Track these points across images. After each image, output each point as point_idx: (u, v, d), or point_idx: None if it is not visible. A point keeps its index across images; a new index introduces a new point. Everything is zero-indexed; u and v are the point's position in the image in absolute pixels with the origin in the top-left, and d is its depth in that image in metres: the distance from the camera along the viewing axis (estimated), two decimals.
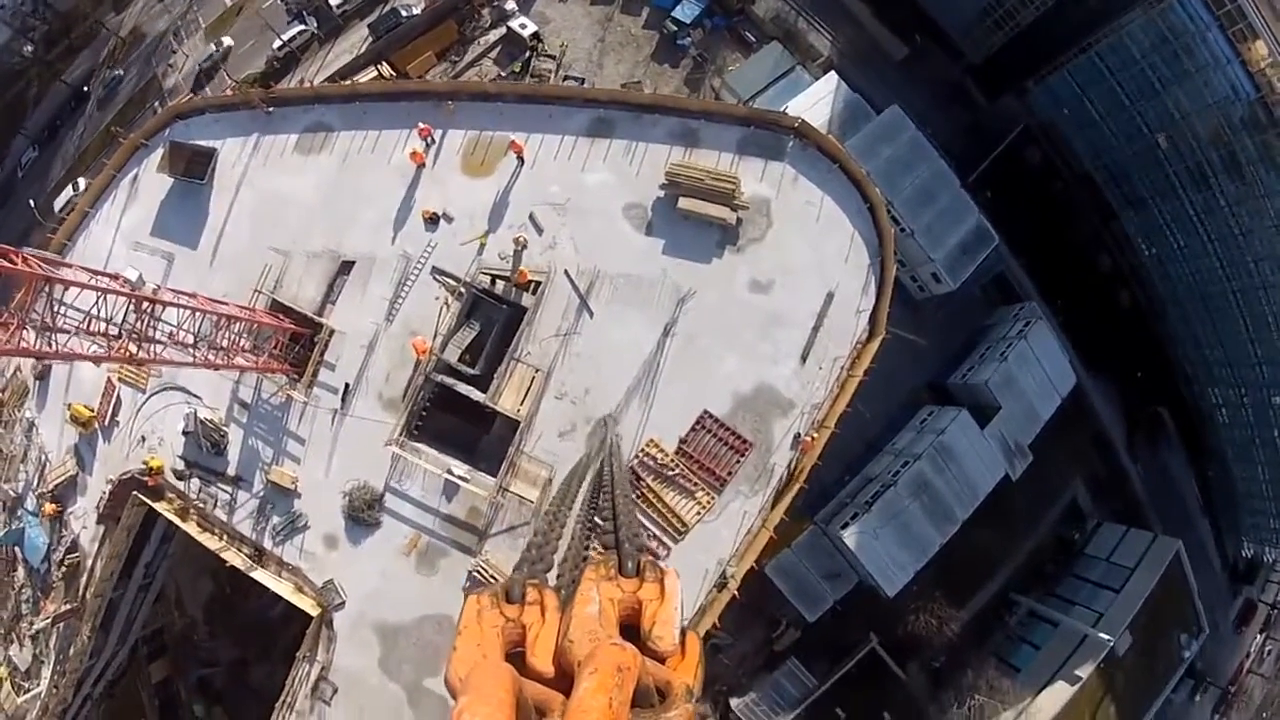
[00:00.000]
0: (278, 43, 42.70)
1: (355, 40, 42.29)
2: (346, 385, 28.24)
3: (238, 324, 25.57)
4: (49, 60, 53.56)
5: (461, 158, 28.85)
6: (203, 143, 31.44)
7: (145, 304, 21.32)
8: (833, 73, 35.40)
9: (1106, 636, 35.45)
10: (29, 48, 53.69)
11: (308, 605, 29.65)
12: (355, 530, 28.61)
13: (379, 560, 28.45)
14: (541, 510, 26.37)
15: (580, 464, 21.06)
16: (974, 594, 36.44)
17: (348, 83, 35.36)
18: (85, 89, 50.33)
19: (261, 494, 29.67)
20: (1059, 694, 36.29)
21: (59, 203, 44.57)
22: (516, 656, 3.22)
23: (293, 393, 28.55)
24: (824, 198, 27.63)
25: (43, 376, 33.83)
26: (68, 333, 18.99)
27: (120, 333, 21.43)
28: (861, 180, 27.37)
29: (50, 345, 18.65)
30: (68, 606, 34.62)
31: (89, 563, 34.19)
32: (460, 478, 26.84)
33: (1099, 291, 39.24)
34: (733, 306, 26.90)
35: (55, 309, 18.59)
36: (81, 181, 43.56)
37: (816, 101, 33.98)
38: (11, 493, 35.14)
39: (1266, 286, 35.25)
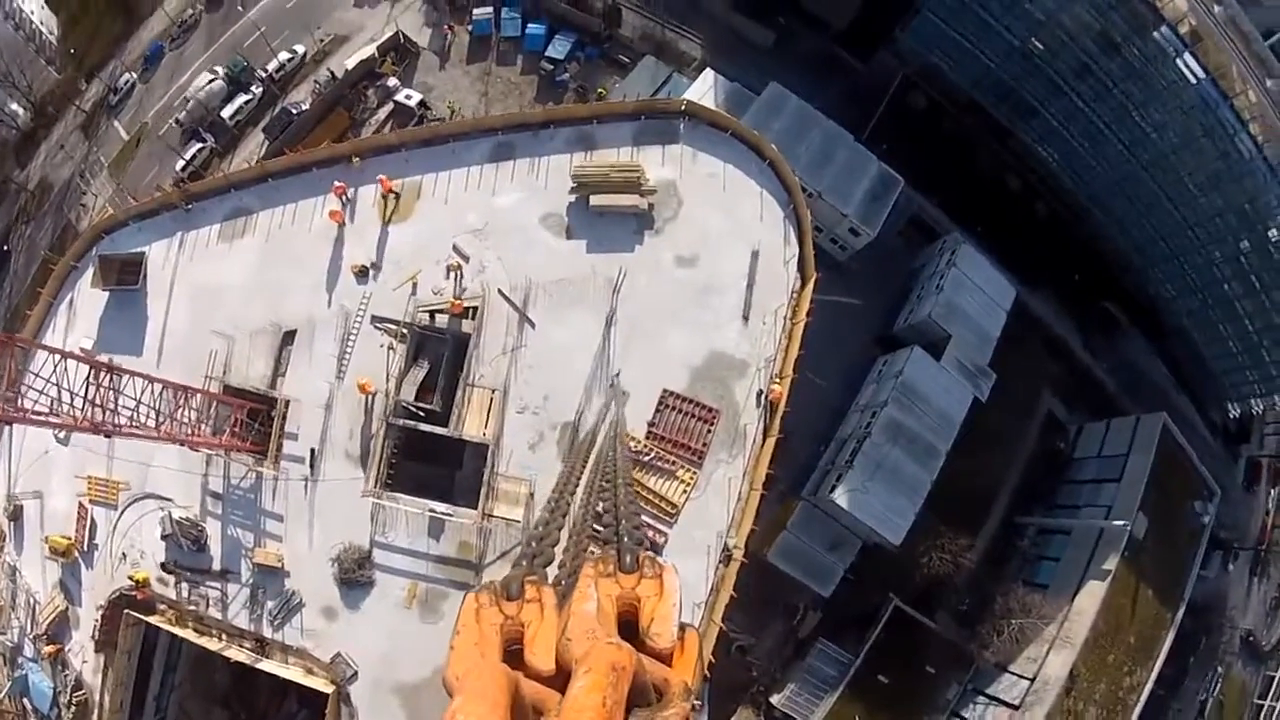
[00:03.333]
0: (180, 163, 44.69)
1: (253, 146, 44.58)
2: (312, 451, 29.03)
3: (196, 398, 26.49)
4: None
5: (377, 209, 30.57)
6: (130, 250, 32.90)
7: (103, 371, 22.34)
8: (708, 70, 38.23)
9: (1121, 523, 36.51)
10: None
11: (322, 684, 29.60)
12: (351, 594, 28.93)
13: (382, 619, 28.70)
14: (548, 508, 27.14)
15: (582, 443, 21.09)
16: (979, 525, 37.39)
17: (255, 164, 37.03)
18: (4, 248, 51.70)
19: (250, 581, 29.89)
20: (1093, 593, 37.10)
21: None
22: (515, 654, 3.29)
23: (261, 469, 29.24)
24: (725, 166, 29.81)
25: (15, 517, 33.99)
26: (35, 394, 20.10)
27: (84, 401, 22.46)
28: (757, 141, 29.66)
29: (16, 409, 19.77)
30: None
31: (96, 697, 33.87)
32: (443, 514, 27.57)
33: (1015, 210, 41.80)
34: (665, 285, 28.58)
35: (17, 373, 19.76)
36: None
37: (699, 99, 36.62)
38: (8, 643, 34.85)
39: (1174, 151, 37.80)
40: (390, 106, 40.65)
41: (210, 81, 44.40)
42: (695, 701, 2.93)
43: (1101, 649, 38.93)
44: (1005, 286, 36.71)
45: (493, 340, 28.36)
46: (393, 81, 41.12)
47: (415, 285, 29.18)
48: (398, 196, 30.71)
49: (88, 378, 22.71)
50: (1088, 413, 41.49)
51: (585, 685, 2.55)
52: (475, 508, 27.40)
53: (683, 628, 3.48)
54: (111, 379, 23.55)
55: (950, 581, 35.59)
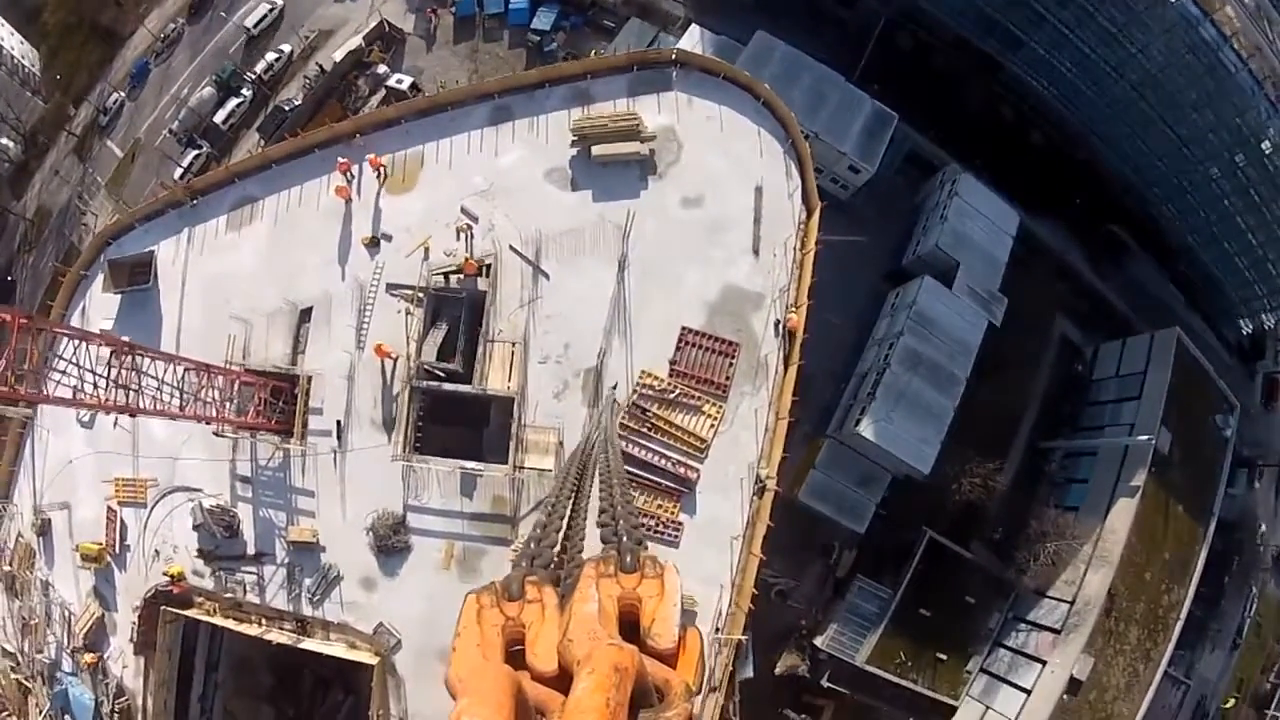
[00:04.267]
0: (178, 171, 45.38)
1: (249, 147, 45.24)
2: (338, 422, 29.45)
3: (219, 378, 26.94)
4: None
5: (383, 181, 31.13)
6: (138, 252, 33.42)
7: (124, 352, 22.78)
8: (693, 26, 38.95)
9: (1145, 438, 36.89)
10: None
11: (366, 657, 29.91)
12: (388, 562, 29.29)
13: (421, 584, 29.05)
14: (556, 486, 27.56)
15: (578, 450, 21.68)
16: (1006, 449, 37.79)
17: (257, 153, 37.54)
18: (9, 278, 52.32)
19: (286, 560, 30.25)
20: (1125, 510, 37.47)
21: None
22: (517, 655, 3.29)
23: (287, 447, 29.66)
24: (721, 109, 30.39)
25: (44, 532, 34.30)
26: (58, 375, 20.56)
27: (107, 381, 22.88)
28: (749, 82, 30.25)
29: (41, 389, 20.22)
30: None
31: (139, 701, 34.02)
32: (474, 470, 27.99)
33: (1011, 140, 42.39)
34: (674, 227, 29.08)
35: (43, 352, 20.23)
36: None
37: None
38: (45, 660, 35.06)
39: (1161, 71, 38.46)
40: (382, 93, 41.36)
41: (202, 88, 45.13)
42: (691, 703, 3.00)
43: (1138, 567, 39.25)
44: (1008, 212, 37.26)
45: (509, 295, 28.85)
46: (382, 68, 41.87)
47: (427, 250, 29.66)
48: (387, 173, 31.23)
49: (109, 359, 23.17)
50: (1101, 335, 41.97)
51: (589, 686, 2.56)
52: (505, 462, 27.82)
53: (684, 628, 3.51)
54: (133, 359, 23.99)
55: (983, 509, 35.93)
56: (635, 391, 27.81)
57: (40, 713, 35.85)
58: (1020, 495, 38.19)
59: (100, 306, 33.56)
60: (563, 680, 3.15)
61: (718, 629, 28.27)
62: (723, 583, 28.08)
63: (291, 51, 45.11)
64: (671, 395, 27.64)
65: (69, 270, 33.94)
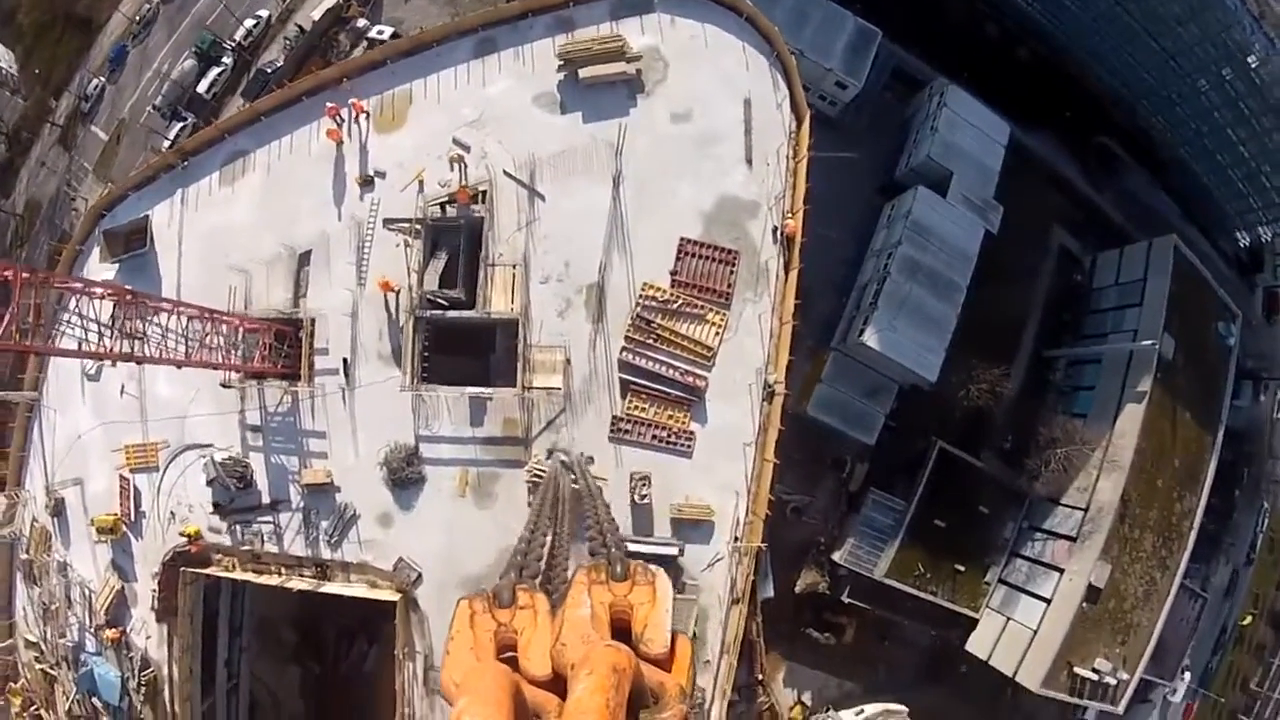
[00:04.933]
0: (165, 144, 45.51)
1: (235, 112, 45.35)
2: (345, 360, 29.79)
3: (223, 325, 27.24)
4: None
5: (373, 121, 31.41)
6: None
7: (128, 300, 23.06)
8: None
9: (1149, 343, 37.29)
10: None
11: (388, 595, 30.27)
12: (404, 495, 29.66)
13: (437, 514, 29.44)
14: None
15: (549, 481, 22.28)
16: (1010, 355, 38.18)
17: (245, 108, 37.68)
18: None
19: (302, 505, 30.61)
20: (1133, 415, 37.92)
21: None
22: (509, 662, 3.41)
23: (295, 389, 29.99)
24: (704, 26, 30.65)
25: (58, 512, 34.52)
26: (63, 323, 20.81)
27: (112, 329, 23.19)
28: (733, 1, 30.48)
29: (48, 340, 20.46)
30: None
31: (165, 670, 34.32)
32: (484, 394, 28.38)
33: (997, 56, 42.65)
34: (665, 142, 29.41)
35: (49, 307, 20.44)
36: None
37: None
38: (69, 644, 35.30)
39: None
40: (364, 46, 41.57)
41: (183, 61, 45.37)
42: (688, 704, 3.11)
43: (1149, 474, 39.69)
44: (998, 122, 37.59)
45: (506, 219, 29.18)
46: (362, 22, 42.15)
47: (421, 183, 29.97)
48: (370, 116, 31.48)
49: (114, 309, 23.47)
50: (1098, 245, 42.35)
51: (589, 687, 2.61)
52: (513, 385, 28.18)
53: (674, 635, 3.62)
54: (137, 308, 24.25)
55: (991, 416, 36.33)
56: (638, 303, 28.14)
57: (67, 698, 36.23)
58: (1027, 405, 38.63)
59: (99, 277, 33.83)
60: (556, 684, 3.22)
61: (736, 538, 28.73)
62: (738, 490, 28.52)
63: (269, 15, 45.36)
64: (675, 305, 28.00)
65: (65, 247, 34.23)
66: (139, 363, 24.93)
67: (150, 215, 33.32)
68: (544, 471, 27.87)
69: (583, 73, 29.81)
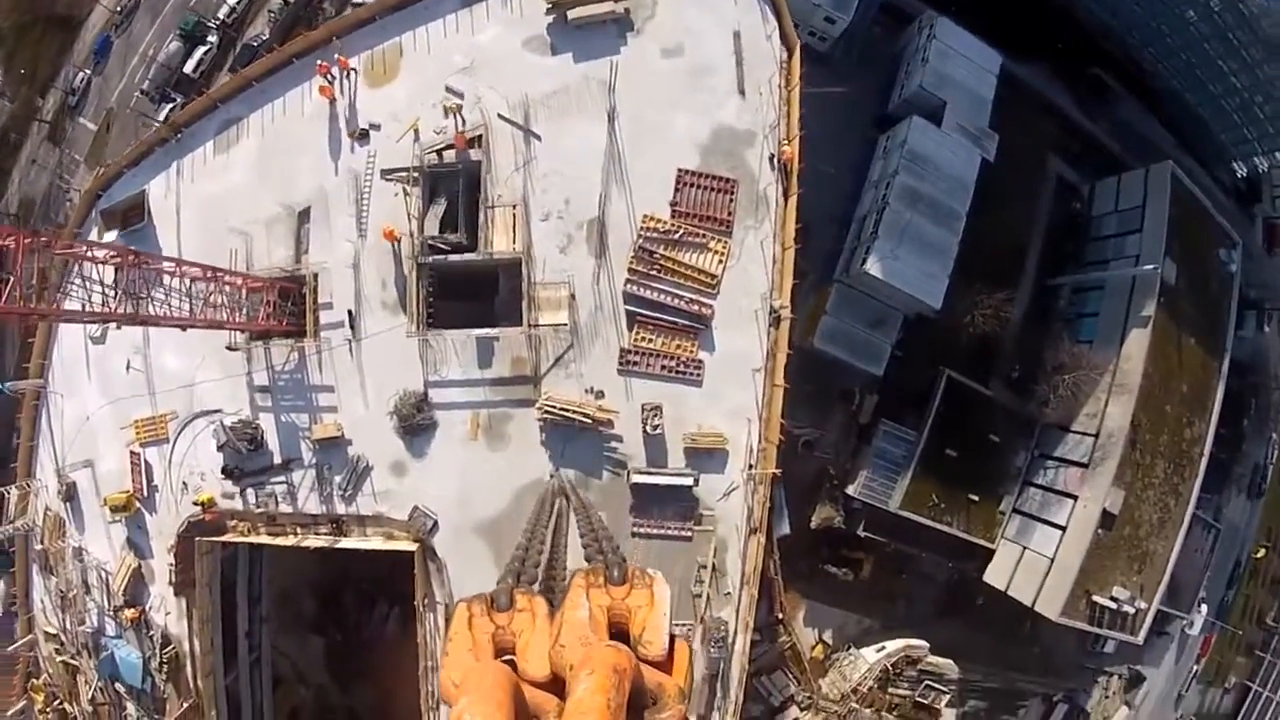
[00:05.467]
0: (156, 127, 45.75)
1: None
2: (349, 312, 30.05)
3: (226, 285, 27.51)
4: None
5: (365, 76, 31.65)
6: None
7: (130, 261, 23.37)
8: None
9: (1152, 266, 37.59)
10: None
11: (405, 545, 30.54)
12: (416, 443, 29.93)
13: (450, 459, 29.72)
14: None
15: (545, 496, 22.37)
16: (1014, 280, 38.47)
17: (236, 75, 37.70)
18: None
19: (314, 461, 30.88)
20: (1139, 340, 38.23)
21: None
22: (507, 664, 3.42)
23: (302, 345, 30.26)
24: None
25: (70, 497, 34.70)
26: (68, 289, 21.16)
27: (116, 291, 23.48)
28: None
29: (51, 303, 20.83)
30: (186, 704, 34.76)
31: (186, 646, 34.54)
32: (490, 335, 28.66)
33: None
34: (658, 77, 29.62)
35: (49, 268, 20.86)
36: None
37: None
38: (89, 630, 35.51)
39: None
40: (349, 10, 41.69)
41: (168, 44, 45.61)
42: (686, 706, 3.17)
43: (1157, 399, 40.00)
44: (989, 51, 37.81)
45: (503, 161, 29.42)
46: None
47: (417, 132, 30.18)
48: (356, 73, 31.68)
49: (116, 273, 23.77)
50: (1095, 175, 42.66)
51: (590, 687, 2.65)
52: (519, 324, 28.46)
53: (672, 638, 3.64)
54: (140, 269, 24.53)
55: (997, 343, 36.60)
56: (639, 235, 28.42)
57: (90, 687, 36.45)
58: (1032, 333, 38.95)
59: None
60: (553, 686, 3.27)
61: (751, 466, 29.02)
62: (750, 417, 28.81)
63: None
64: (676, 235, 28.27)
65: (64, 232, 34.33)
66: (144, 323, 25.27)
67: (147, 189, 33.57)
68: (554, 409, 28.20)
69: (571, 14, 30.01)
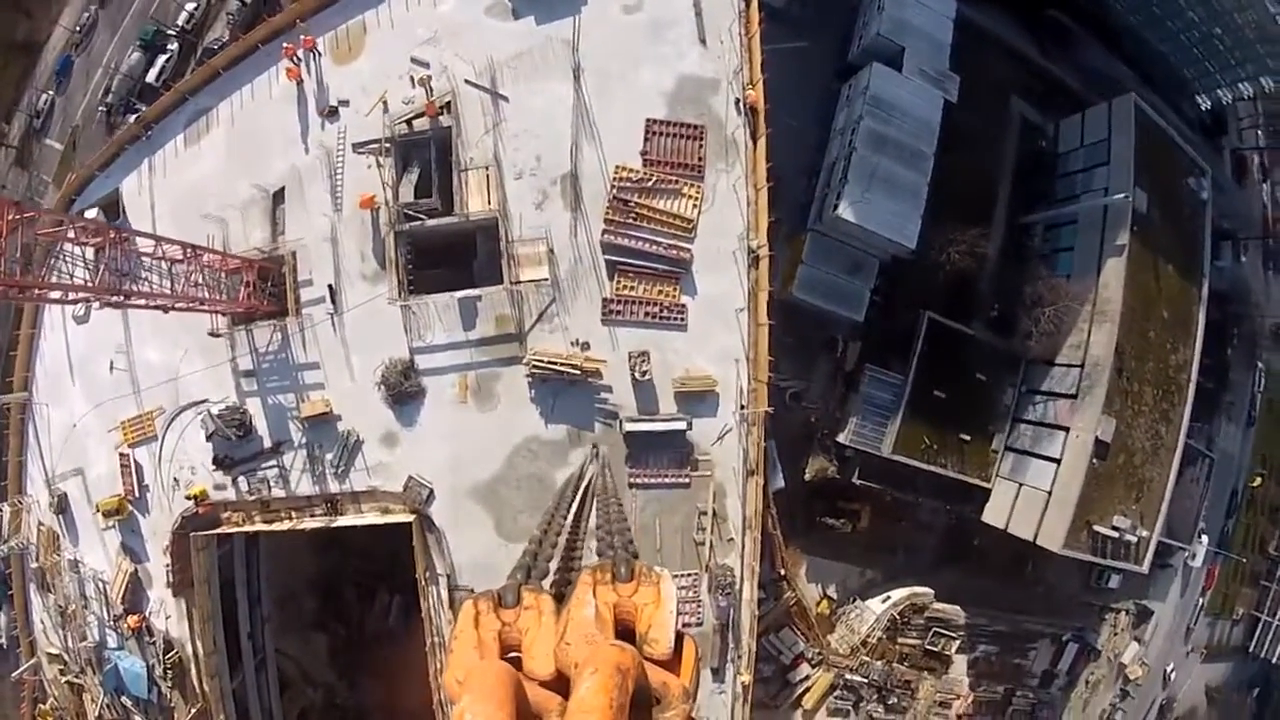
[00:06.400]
0: None
1: None
2: (330, 287, 30.40)
3: (206, 269, 27.81)
4: None
5: (330, 55, 32.20)
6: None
7: (112, 235, 23.73)
8: None
9: (1122, 195, 38.52)
10: None
11: (402, 517, 30.71)
12: (405, 411, 30.22)
13: (441, 424, 30.02)
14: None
15: (572, 477, 22.98)
16: (986, 217, 39.26)
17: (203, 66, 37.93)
18: None
19: (304, 441, 31.07)
20: (1115, 268, 39.13)
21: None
22: (512, 662, 3.42)
23: (285, 323, 30.53)
24: None
25: (63, 509, 34.65)
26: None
27: (99, 265, 23.81)
28: None
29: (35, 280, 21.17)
30: (193, 710, 34.61)
31: (189, 649, 34.45)
32: (473, 295, 29.07)
33: None
34: (620, 33, 30.33)
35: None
36: None
37: None
38: (90, 644, 35.34)
39: None
40: None
41: (129, 55, 46.01)
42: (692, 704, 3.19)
43: (1139, 326, 40.80)
44: None
45: (473, 125, 29.98)
46: None
47: (385, 104, 30.69)
48: (319, 54, 32.22)
49: (98, 250, 24.18)
50: (1059, 114, 43.70)
51: (592, 686, 2.65)
52: (500, 283, 28.90)
53: (680, 636, 3.66)
54: (122, 248, 24.91)
55: (975, 282, 37.31)
56: (613, 186, 29.00)
57: (95, 704, 36.22)
58: (1009, 272, 39.73)
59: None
60: (558, 685, 3.31)
61: (742, 406, 29.50)
62: (737, 358, 29.33)
63: None
64: (649, 183, 28.89)
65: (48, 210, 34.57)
66: (127, 298, 25.48)
67: (120, 188, 33.92)
68: (542, 364, 28.58)
69: None
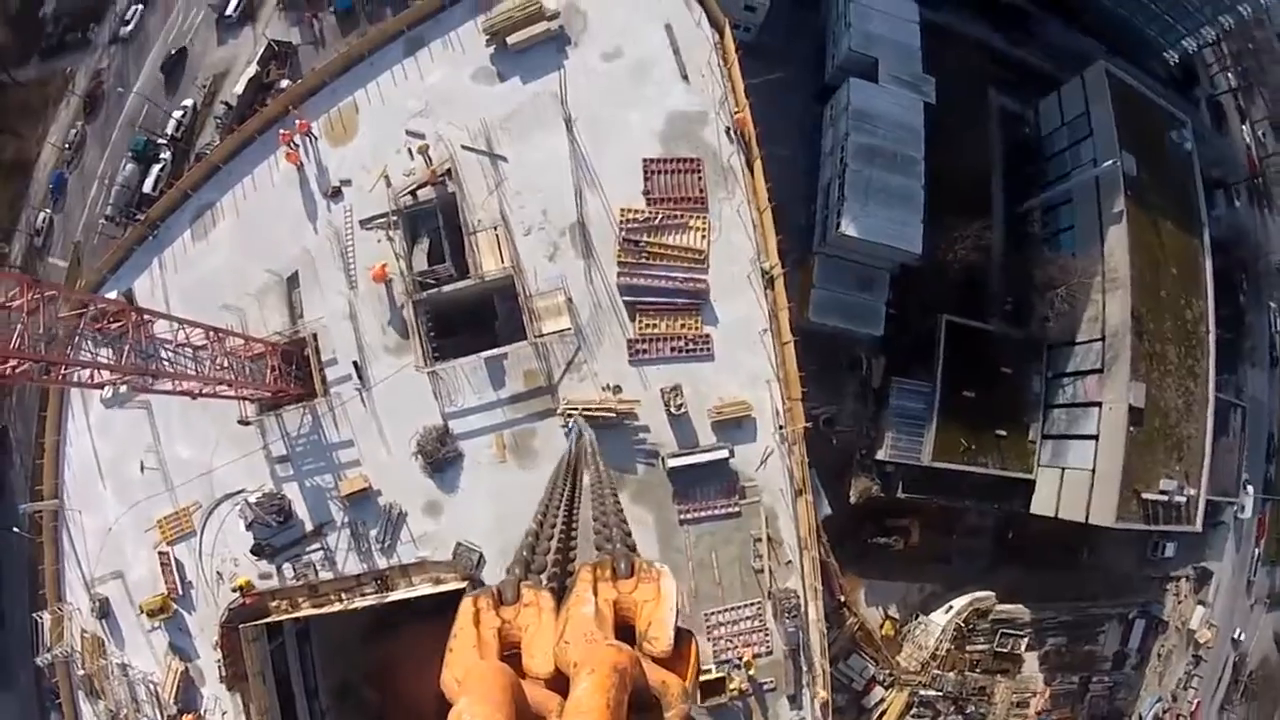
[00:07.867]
0: None
1: None
2: (355, 363, 30.83)
3: (229, 355, 28.27)
4: None
5: (326, 138, 33.13)
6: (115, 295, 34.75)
7: (135, 316, 24.25)
8: None
9: (1110, 162, 39.27)
10: None
11: (454, 585, 30.59)
12: (445, 478, 30.39)
13: (483, 486, 30.18)
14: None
15: (561, 464, 22.86)
16: (985, 212, 39.91)
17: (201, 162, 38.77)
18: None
19: (346, 520, 31.16)
20: (1117, 235, 39.76)
21: None
22: (512, 660, 3.44)
23: (314, 404, 30.88)
24: None
25: (105, 613, 34.53)
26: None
27: (124, 346, 24.26)
28: None
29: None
30: None
31: None
32: (498, 354, 29.50)
33: None
34: (605, 80, 31.42)
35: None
36: None
37: None
38: None
39: None
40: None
41: (123, 168, 47.19)
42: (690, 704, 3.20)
43: (1151, 287, 41.18)
44: (905, 2, 40.01)
45: (476, 188, 30.79)
46: (284, 83, 44.19)
47: (388, 179, 31.57)
48: (315, 138, 33.19)
49: (120, 329, 24.74)
50: (1035, 98, 44.74)
51: (589, 687, 2.66)
52: (524, 339, 29.35)
53: (685, 634, 3.65)
54: (144, 329, 25.42)
55: (984, 276, 37.79)
56: (621, 228, 29.63)
57: None
58: (1015, 262, 40.33)
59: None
60: (558, 683, 3.27)
61: (780, 426, 29.70)
62: (768, 380, 29.63)
63: (195, 103, 47.49)
64: (656, 221, 29.54)
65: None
66: (155, 379, 25.75)
67: (132, 289, 34.54)
68: (576, 412, 28.80)
69: (510, 40, 31.87)
